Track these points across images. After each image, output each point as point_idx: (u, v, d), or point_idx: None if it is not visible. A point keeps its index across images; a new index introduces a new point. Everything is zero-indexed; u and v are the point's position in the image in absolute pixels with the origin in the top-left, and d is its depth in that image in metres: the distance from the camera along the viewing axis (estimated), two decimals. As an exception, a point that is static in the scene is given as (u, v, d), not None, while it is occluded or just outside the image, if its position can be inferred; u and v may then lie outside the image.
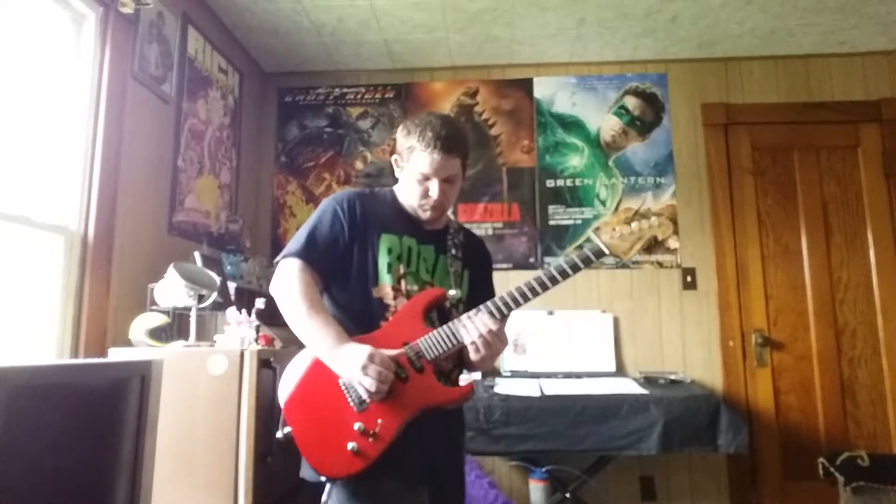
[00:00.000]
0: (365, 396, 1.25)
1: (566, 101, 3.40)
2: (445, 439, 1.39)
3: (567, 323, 3.13)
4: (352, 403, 1.27)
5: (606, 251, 1.35)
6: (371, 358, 1.22)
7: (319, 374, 1.30)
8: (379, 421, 1.25)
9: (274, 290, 1.36)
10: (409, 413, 1.27)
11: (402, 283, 1.37)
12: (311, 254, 1.35)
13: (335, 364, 1.27)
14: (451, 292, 1.40)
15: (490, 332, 1.28)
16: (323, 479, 1.28)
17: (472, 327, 1.29)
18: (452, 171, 1.39)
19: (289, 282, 1.33)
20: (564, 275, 1.33)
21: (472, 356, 1.31)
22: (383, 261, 1.37)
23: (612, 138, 3.36)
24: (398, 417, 1.26)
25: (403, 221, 1.44)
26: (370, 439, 1.24)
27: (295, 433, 1.28)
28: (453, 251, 1.46)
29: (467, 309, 1.40)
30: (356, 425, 1.25)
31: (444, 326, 1.32)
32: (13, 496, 0.93)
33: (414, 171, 1.38)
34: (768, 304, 3.16)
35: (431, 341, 1.30)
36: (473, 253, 1.52)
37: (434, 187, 1.37)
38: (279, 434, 1.29)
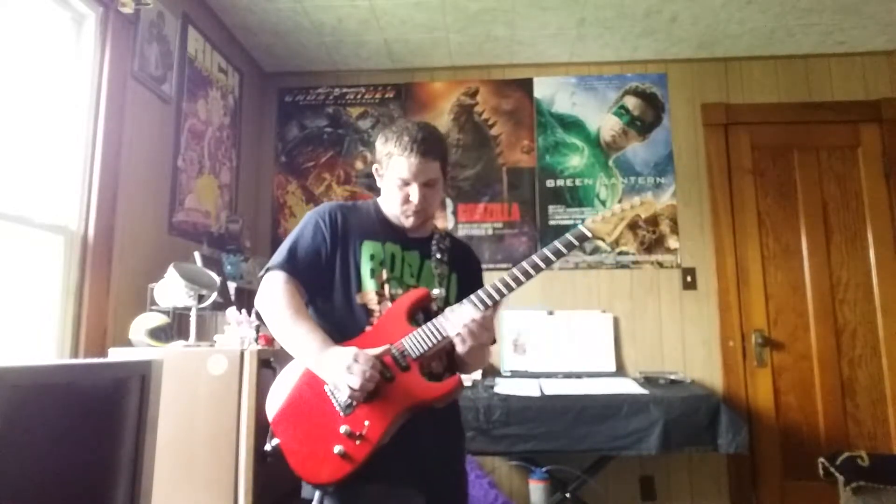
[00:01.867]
0: (347, 396, 1.23)
1: (566, 101, 3.40)
2: (438, 445, 1.36)
3: (567, 323, 3.13)
4: (338, 408, 1.26)
5: (589, 234, 1.34)
6: (355, 357, 1.22)
7: (306, 386, 1.30)
8: (366, 423, 1.24)
9: (259, 303, 1.37)
10: (395, 412, 1.25)
11: (386, 287, 1.36)
12: (293, 265, 1.36)
13: (320, 368, 1.27)
14: (435, 291, 1.38)
15: (474, 321, 1.26)
16: (317, 494, 1.28)
17: (455, 318, 1.27)
18: (432, 175, 1.38)
19: (272, 293, 1.34)
20: (548, 261, 1.32)
21: (459, 348, 1.28)
22: (366, 267, 1.37)
23: (612, 138, 3.36)
24: (385, 418, 1.25)
25: (386, 229, 1.44)
26: (357, 441, 1.23)
27: (282, 444, 1.27)
28: (438, 255, 1.45)
29: None
30: (342, 428, 1.24)
31: (429, 323, 1.31)
32: (13, 496, 0.93)
33: (393, 177, 1.38)
34: (768, 304, 3.16)
35: (415, 339, 1.29)
36: (461, 258, 1.51)
37: (414, 192, 1.37)
38: (267, 447, 1.28)
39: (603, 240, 1.38)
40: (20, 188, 1.86)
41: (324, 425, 1.26)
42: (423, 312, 1.38)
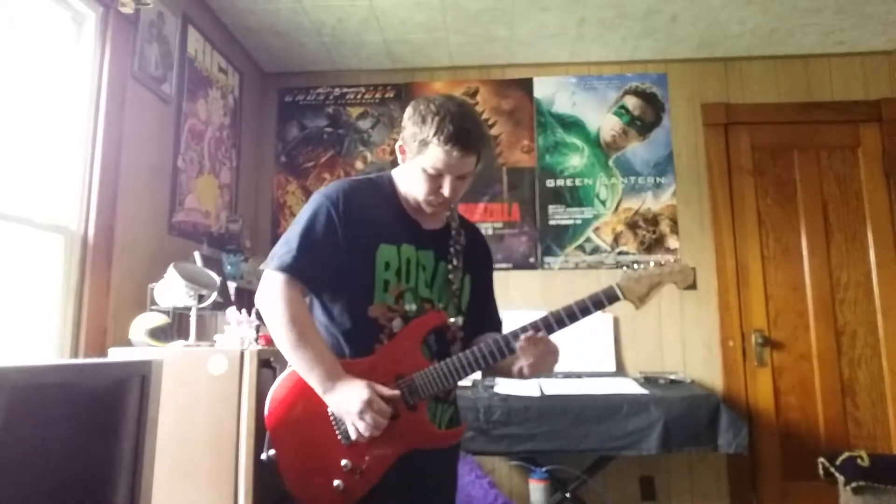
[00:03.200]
0: (354, 437, 1.20)
1: (566, 101, 3.40)
2: (431, 470, 1.32)
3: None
4: (340, 437, 1.23)
5: (621, 297, 1.26)
6: (369, 404, 1.17)
7: (308, 398, 1.24)
8: (367, 458, 1.21)
9: (260, 304, 1.28)
10: (397, 453, 1.23)
11: (401, 301, 1.29)
12: (300, 263, 1.25)
13: (328, 398, 1.22)
14: (451, 320, 1.33)
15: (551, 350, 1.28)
16: None
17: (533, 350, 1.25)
18: (467, 169, 1.26)
19: (275, 302, 1.24)
20: (574, 318, 1.26)
21: (527, 372, 1.28)
22: (380, 278, 1.28)
23: (612, 138, 3.36)
24: (386, 457, 1.22)
25: (402, 225, 1.34)
26: (357, 476, 1.21)
27: (280, 458, 1.24)
28: (455, 261, 1.37)
29: (466, 320, 1.37)
30: (343, 462, 1.21)
31: (443, 363, 1.25)
32: (13, 496, 0.93)
33: (426, 165, 1.24)
34: (768, 304, 3.16)
35: (427, 378, 1.24)
36: (475, 254, 1.44)
37: (447, 185, 1.25)
38: (263, 456, 1.26)
39: (634, 304, 1.30)
40: (20, 188, 1.86)
41: (324, 452, 1.23)
42: (435, 334, 1.32)
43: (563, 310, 1.26)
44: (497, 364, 1.30)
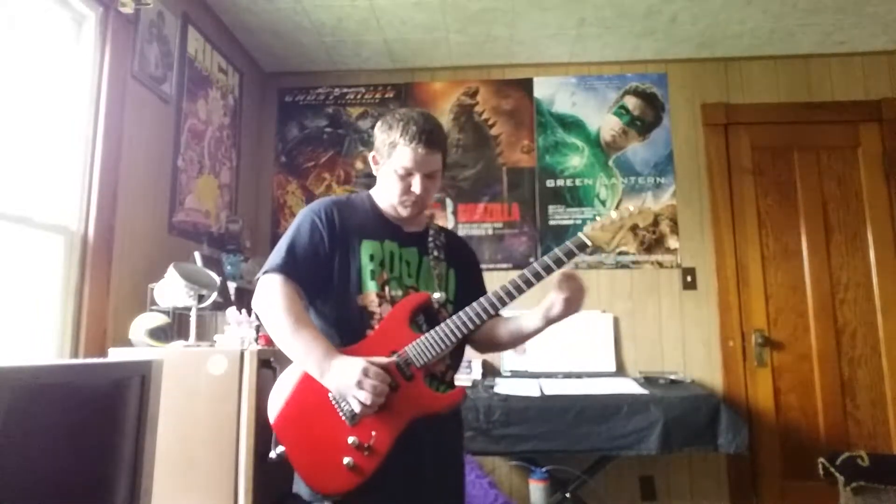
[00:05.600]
0: (358, 410, 1.22)
1: (566, 101, 3.40)
2: (437, 455, 1.35)
3: (567, 323, 3.11)
4: (344, 417, 1.25)
5: (589, 243, 1.32)
6: (365, 372, 1.20)
7: (309, 390, 1.28)
8: (373, 433, 1.24)
9: (257, 306, 1.34)
10: (402, 423, 1.25)
11: (387, 289, 1.35)
12: (291, 267, 1.33)
13: (326, 379, 1.24)
14: (436, 295, 1.38)
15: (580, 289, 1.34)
16: (319, 497, 1.26)
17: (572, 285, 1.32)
18: (434, 167, 1.38)
19: (271, 298, 1.30)
20: (549, 269, 1.32)
21: (556, 310, 1.35)
22: (366, 268, 1.35)
23: (612, 138, 3.36)
24: (392, 428, 1.24)
25: (383, 226, 1.42)
26: (365, 453, 1.23)
27: (288, 452, 1.26)
28: (435, 253, 1.44)
29: (456, 309, 1.39)
30: (350, 439, 1.23)
31: (434, 330, 1.30)
32: (13, 496, 0.93)
33: (396, 167, 1.36)
34: (768, 304, 3.16)
35: (420, 347, 1.28)
36: (457, 252, 1.51)
37: (416, 183, 1.36)
38: (272, 454, 1.27)
39: (602, 249, 1.38)
40: (21, 188, 1.86)
41: (330, 435, 1.25)
42: (424, 314, 1.37)
43: (538, 263, 1.33)
44: (520, 330, 1.43)
